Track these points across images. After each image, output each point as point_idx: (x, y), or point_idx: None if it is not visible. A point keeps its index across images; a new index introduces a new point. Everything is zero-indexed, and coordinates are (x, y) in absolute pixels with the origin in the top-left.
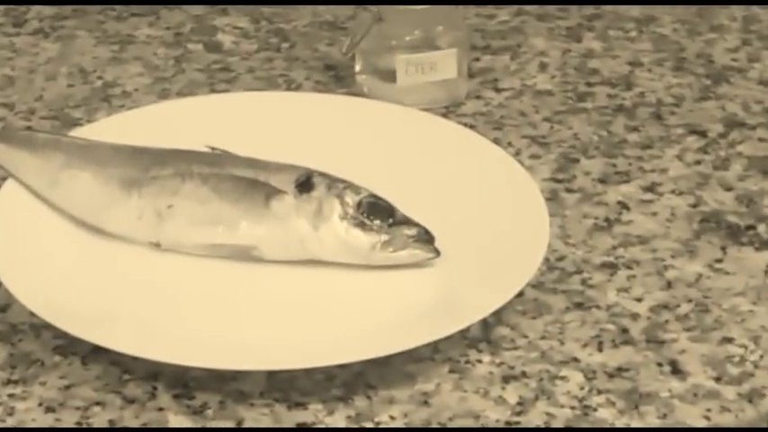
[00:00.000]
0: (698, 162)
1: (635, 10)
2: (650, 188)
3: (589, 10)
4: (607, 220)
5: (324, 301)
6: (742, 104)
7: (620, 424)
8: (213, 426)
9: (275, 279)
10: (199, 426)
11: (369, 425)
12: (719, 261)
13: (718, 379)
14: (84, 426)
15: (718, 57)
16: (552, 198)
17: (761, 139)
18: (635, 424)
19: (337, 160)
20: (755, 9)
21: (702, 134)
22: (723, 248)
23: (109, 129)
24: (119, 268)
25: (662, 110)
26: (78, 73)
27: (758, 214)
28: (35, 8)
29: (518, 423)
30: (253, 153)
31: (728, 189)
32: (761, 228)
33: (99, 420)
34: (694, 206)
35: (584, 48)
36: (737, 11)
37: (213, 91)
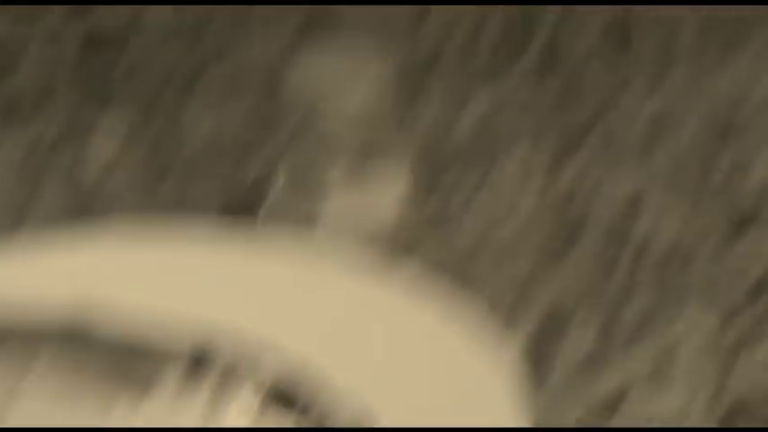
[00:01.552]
0: (723, 334)
1: (639, 125)
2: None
3: (576, 127)
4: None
5: None
6: None
7: None
8: None
9: None
10: None
11: None
12: None
13: None
14: None
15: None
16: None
17: None
18: None
19: (241, 331)
20: None
21: (730, 297)
22: None
23: None
24: None
25: (674, 263)
26: None
27: None
28: None
29: None
30: (130, 314)
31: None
32: None
33: None
34: (715, 395)
35: (569, 178)
36: None
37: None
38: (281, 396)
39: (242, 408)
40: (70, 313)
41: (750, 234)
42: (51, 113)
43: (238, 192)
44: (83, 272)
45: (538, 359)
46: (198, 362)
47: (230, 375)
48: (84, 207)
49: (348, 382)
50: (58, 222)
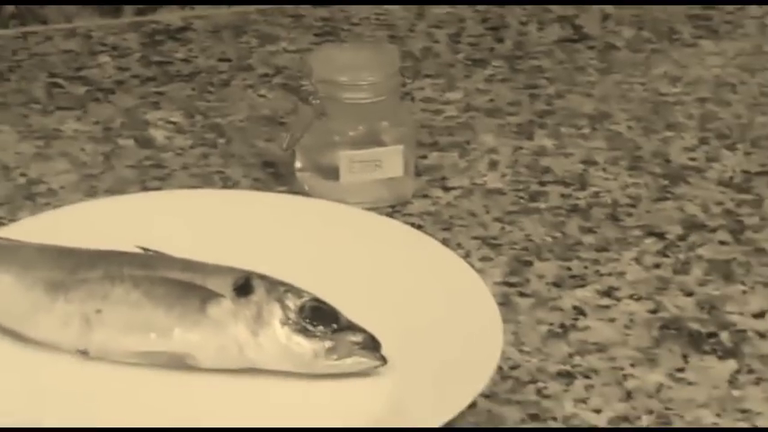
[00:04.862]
0: (657, 265)
1: (588, 105)
2: (607, 293)
3: (540, 106)
4: (563, 326)
5: (263, 413)
6: (701, 206)
7: None
8: None
9: (212, 389)
10: None
11: None
12: (681, 370)
13: None
14: None
15: (676, 156)
16: (505, 303)
17: (722, 242)
18: None
19: (277, 262)
20: (712, 107)
21: (661, 236)
22: (685, 357)
23: (33, 229)
24: (43, 379)
25: (618, 211)
26: (0, 169)
27: (720, 321)
28: None
29: None
30: (187, 254)
31: (689, 294)
32: (723, 335)
33: None
34: (654, 312)
35: (535, 145)
36: (694, 108)
37: (145, 189)
38: (310, 314)
39: (281, 321)
40: (142, 256)
41: None
42: (115, 109)
43: (274, 152)
44: (150, 224)
45: (512, 283)
46: (241, 291)
47: (268, 300)
48: (155, 162)
49: (360, 307)
50: (135, 174)
